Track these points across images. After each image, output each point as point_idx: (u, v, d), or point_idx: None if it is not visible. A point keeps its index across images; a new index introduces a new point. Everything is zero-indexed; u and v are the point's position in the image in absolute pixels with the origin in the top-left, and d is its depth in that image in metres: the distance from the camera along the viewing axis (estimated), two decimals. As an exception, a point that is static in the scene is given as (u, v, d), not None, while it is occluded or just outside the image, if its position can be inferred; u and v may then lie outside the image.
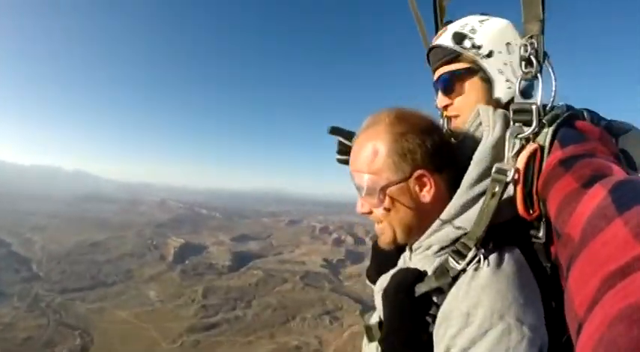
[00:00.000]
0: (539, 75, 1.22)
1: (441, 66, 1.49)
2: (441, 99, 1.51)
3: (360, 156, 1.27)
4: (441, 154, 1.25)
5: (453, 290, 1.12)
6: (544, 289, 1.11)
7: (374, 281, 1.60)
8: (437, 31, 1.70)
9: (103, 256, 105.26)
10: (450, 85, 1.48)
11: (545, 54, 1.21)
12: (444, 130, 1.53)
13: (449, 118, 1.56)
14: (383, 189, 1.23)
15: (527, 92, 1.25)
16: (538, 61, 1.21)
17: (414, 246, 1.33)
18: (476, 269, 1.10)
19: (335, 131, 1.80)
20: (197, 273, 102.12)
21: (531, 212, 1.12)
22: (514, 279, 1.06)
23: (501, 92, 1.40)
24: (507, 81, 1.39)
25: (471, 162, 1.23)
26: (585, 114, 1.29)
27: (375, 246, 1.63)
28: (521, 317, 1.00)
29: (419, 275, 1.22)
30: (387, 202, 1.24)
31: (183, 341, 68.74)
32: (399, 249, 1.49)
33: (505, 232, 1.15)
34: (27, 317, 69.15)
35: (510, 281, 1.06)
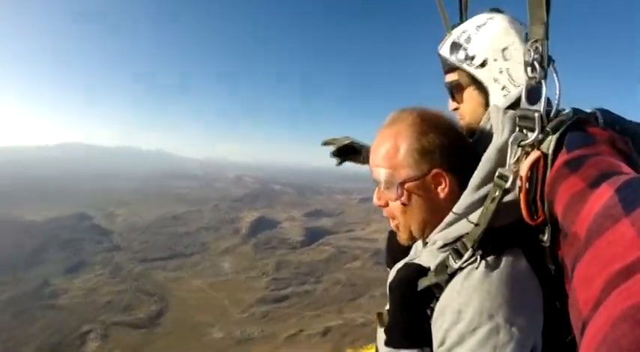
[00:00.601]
0: (543, 81, 1.17)
1: (445, 73, 1.58)
2: (450, 103, 1.60)
3: (381, 151, 1.31)
4: (458, 155, 1.29)
5: (449, 286, 1.15)
6: (549, 292, 1.12)
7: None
8: (461, 21, 1.71)
9: (181, 229, 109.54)
10: (452, 93, 1.58)
11: (549, 58, 1.17)
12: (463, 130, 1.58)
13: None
14: (401, 184, 1.26)
15: (533, 97, 1.19)
16: (542, 67, 1.16)
17: (427, 240, 1.38)
18: (471, 269, 1.12)
19: (327, 143, 2.01)
20: (269, 247, 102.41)
21: (536, 217, 1.11)
22: (507, 281, 1.07)
23: (497, 100, 1.42)
24: (503, 88, 1.41)
25: (478, 165, 1.25)
26: (598, 115, 1.24)
27: (390, 237, 1.68)
28: (510, 319, 1.01)
29: (421, 271, 1.26)
30: (404, 197, 1.27)
31: (254, 311, 68.94)
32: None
33: (508, 235, 1.16)
34: (108, 283, 73.20)
35: (503, 282, 1.07)
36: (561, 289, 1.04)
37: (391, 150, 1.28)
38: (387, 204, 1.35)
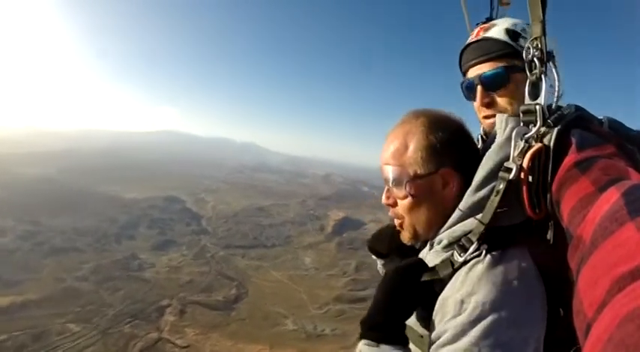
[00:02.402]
0: (543, 76, 1.23)
1: (491, 60, 1.48)
2: (484, 95, 1.51)
3: (391, 149, 1.36)
4: (466, 155, 1.35)
5: (452, 279, 1.17)
6: (552, 291, 1.13)
7: (377, 255, 1.72)
8: (491, 17, 1.77)
9: (267, 220, 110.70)
10: (500, 80, 1.47)
11: (550, 54, 1.24)
12: (480, 133, 1.64)
13: (487, 118, 1.55)
14: (410, 182, 1.30)
15: (536, 93, 1.25)
16: (541, 62, 1.23)
17: (433, 241, 1.39)
18: (475, 263, 1.14)
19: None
20: (353, 247, 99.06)
21: (537, 211, 1.13)
22: (513, 276, 1.08)
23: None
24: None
25: (481, 163, 1.29)
26: (604, 120, 1.29)
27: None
28: (514, 312, 1.01)
29: (421, 264, 1.29)
30: (412, 195, 1.31)
31: (329, 308, 66.64)
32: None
33: (514, 233, 1.17)
34: (192, 264, 75.36)
35: (508, 276, 1.07)
36: (565, 294, 1.00)
37: (400, 148, 1.33)
38: (395, 203, 1.38)
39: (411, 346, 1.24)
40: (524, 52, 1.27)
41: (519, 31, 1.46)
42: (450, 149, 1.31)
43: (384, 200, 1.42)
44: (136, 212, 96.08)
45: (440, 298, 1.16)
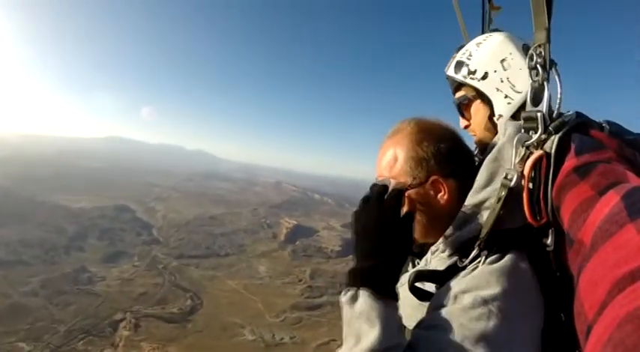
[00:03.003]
0: (545, 82, 1.24)
1: (453, 93, 1.70)
2: (461, 121, 1.69)
3: (383, 162, 1.40)
4: (456, 161, 1.36)
5: (451, 281, 1.16)
6: (552, 297, 1.13)
7: None
8: (482, 33, 1.84)
9: (219, 229, 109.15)
10: (461, 110, 1.68)
11: (552, 62, 1.25)
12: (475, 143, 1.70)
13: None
14: (402, 192, 1.29)
15: (537, 99, 1.26)
16: (544, 69, 1.24)
17: (432, 249, 1.39)
18: (474, 266, 1.14)
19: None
20: (306, 255, 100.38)
21: (538, 218, 1.12)
22: (507, 276, 1.08)
23: (502, 108, 1.52)
24: (506, 97, 1.51)
25: (480, 170, 1.30)
26: (604, 124, 1.28)
27: None
28: (504, 309, 1.01)
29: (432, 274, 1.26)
30: (405, 205, 1.29)
31: (286, 316, 67.18)
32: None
33: (513, 238, 1.17)
34: (145, 275, 73.46)
35: (503, 276, 1.08)
36: (566, 299, 1.00)
37: (391, 160, 1.37)
38: None
39: None
40: (527, 58, 1.28)
41: (465, 58, 1.62)
42: (438, 156, 1.32)
43: None
44: (84, 222, 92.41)
45: (434, 295, 1.17)
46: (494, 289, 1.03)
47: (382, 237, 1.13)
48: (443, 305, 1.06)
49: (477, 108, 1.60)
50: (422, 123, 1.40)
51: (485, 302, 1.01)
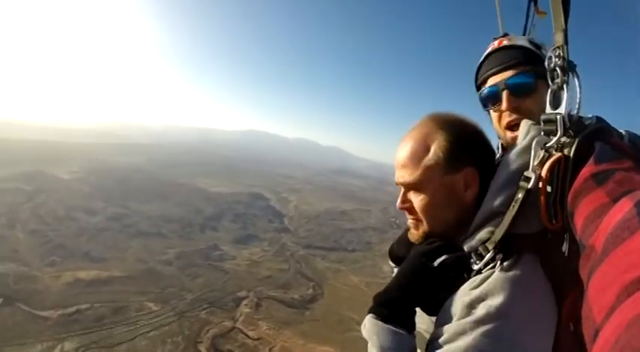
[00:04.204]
0: (565, 85, 1.23)
1: (517, 66, 1.47)
2: (512, 101, 1.46)
3: (411, 153, 1.35)
4: (484, 157, 1.36)
5: (465, 284, 1.17)
6: (561, 303, 1.11)
7: (393, 259, 1.69)
8: (524, 33, 1.83)
9: (348, 225, 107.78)
10: (529, 86, 1.45)
11: (571, 63, 1.23)
12: (499, 143, 1.64)
13: (510, 127, 1.51)
14: (431, 183, 1.30)
15: (557, 102, 1.25)
16: (564, 72, 1.22)
17: None
18: (490, 271, 1.13)
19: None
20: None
21: (554, 222, 1.12)
22: (525, 285, 1.08)
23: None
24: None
25: (497, 171, 1.29)
26: (624, 133, 1.29)
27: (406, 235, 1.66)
28: (520, 320, 1.01)
29: (444, 248, 1.29)
30: (431, 197, 1.31)
31: (403, 319, 62.05)
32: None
33: (528, 242, 1.16)
34: (272, 260, 74.86)
35: (520, 286, 1.07)
36: (575, 306, 0.99)
37: (421, 151, 1.32)
38: (411, 207, 1.37)
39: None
40: (546, 60, 1.27)
41: (540, 43, 1.49)
42: (471, 149, 1.32)
43: (399, 205, 1.40)
44: (220, 205, 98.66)
45: (449, 299, 1.17)
46: (509, 299, 1.02)
47: (406, 288, 1.22)
48: (457, 316, 1.07)
49: (546, 92, 1.34)
50: (451, 116, 1.39)
51: (501, 315, 1.00)
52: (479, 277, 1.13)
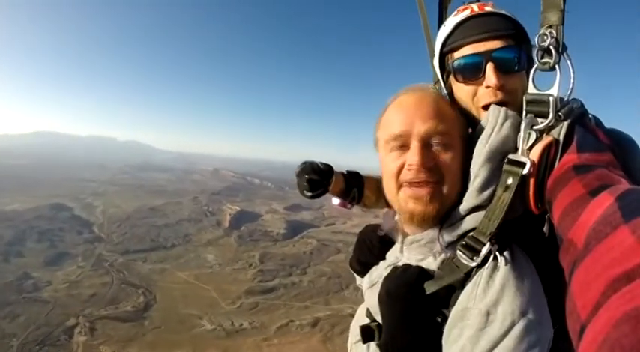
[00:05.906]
0: (557, 65, 1.16)
1: (504, 38, 1.28)
2: (500, 78, 1.26)
3: (433, 106, 1.23)
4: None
5: (468, 287, 1.08)
6: (545, 285, 1.09)
7: (358, 272, 1.59)
8: (439, 28, 1.63)
9: (162, 221, 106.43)
10: (517, 62, 1.29)
11: (564, 45, 1.17)
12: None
13: (488, 107, 1.30)
14: (461, 139, 1.25)
15: (538, 83, 1.20)
16: (557, 52, 1.16)
17: (410, 239, 1.29)
18: (493, 267, 1.07)
19: (309, 172, 1.69)
20: (253, 239, 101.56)
21: (539, 206, 1.10)
22: (530, 276, 1.05)
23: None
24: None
25: (479, 159, 1.19)
26: (592, 119, 1.25)
27: (362, 234, 1.62)
28: (538, 314, 0.98)
29: (422, 273, 1.18)
30: (459, 153, 1.22)
31: (242, 302, 68.34)
32: (381, 240, 1.49)
33: (514, 228, 1.12)
34: (92, 276, 70.70)
35: (527, 278, 1.04)
36: (555, 284, 1.02)
37: (444, 107, 1.25)
38: (437, 164, 1.20)
39: None
40: (537, 37, 1.18)
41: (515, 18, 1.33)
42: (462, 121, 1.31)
43: (425, 161, 1.17)
44: (20, 225, 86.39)
45: (456, 309, 1.07)
46: (527, 297, 0.99)
47: (409, 331, 1.14)
48: (475, 327, 0.98)
49: (526, 72, 1.28)
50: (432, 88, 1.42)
51: (523, 313, 0.96)
52: (481, 278, 1.05)
